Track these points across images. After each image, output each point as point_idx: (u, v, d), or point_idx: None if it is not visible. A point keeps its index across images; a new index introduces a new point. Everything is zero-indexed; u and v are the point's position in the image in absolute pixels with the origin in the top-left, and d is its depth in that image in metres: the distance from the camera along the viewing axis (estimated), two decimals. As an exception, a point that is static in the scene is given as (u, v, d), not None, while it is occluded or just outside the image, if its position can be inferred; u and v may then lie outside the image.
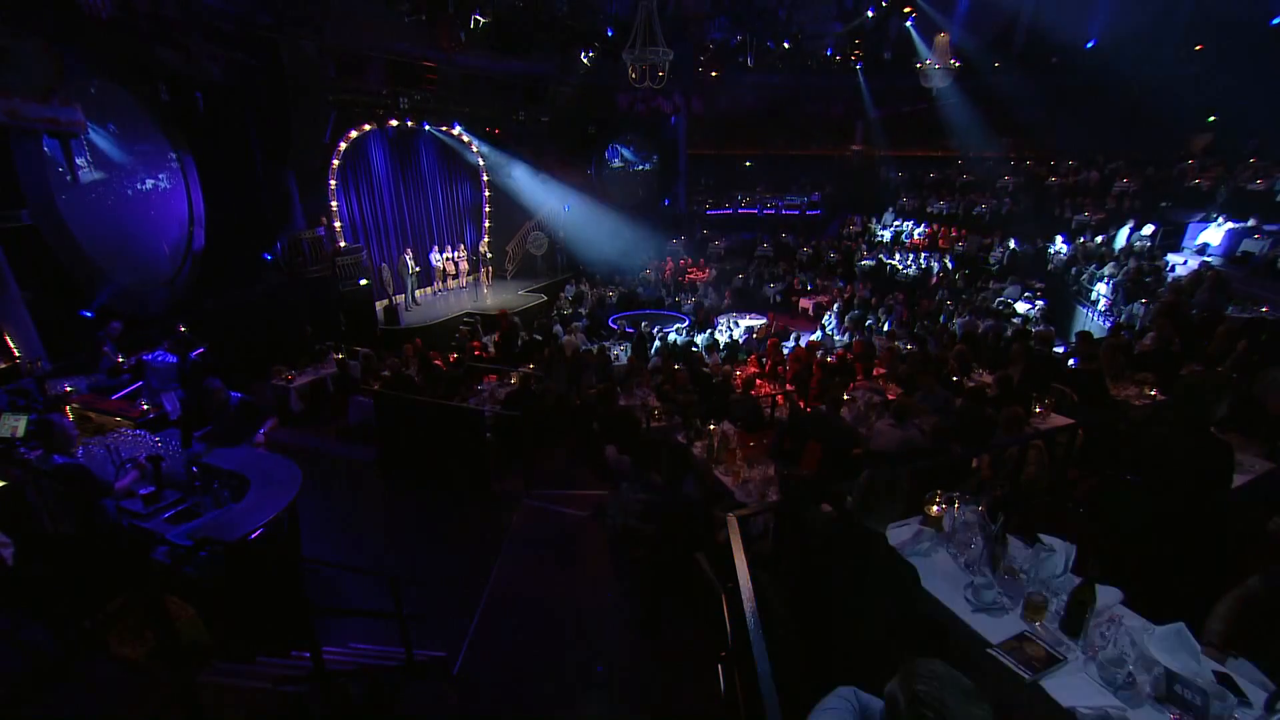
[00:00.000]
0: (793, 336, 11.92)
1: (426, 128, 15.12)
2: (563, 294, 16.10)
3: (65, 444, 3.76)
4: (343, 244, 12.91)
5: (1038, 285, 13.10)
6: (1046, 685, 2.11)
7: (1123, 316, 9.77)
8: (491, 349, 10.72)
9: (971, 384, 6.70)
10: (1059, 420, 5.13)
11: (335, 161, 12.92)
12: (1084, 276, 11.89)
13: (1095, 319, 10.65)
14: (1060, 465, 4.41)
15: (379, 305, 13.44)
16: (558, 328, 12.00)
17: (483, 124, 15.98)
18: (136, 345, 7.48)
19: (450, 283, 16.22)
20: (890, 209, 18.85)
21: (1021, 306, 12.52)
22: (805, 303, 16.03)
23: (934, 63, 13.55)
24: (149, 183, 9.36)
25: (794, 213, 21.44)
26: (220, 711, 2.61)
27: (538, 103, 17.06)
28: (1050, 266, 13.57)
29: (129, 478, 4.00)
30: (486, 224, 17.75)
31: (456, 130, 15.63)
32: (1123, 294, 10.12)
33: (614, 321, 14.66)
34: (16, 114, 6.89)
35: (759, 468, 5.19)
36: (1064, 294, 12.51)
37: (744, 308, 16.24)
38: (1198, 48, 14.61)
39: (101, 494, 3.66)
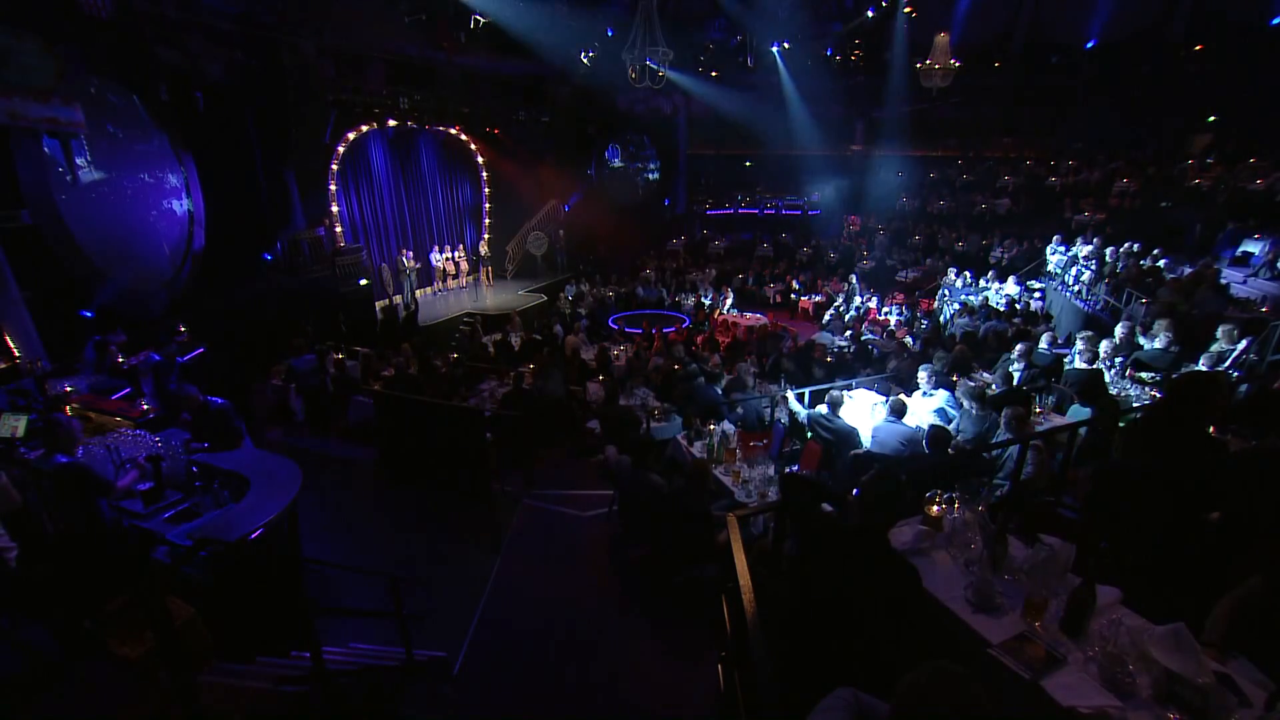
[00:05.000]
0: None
1: (426, 128, 15.12)
2: (563, 294, 16.10)
3: (69, 443, 3.77)
4: (343, 244, 12.92)
5: (1038, 285, 13.09)
6: (1046, 685, 2.11)
7: (1123, 315, 9.75)
8: (491, 349, 10.72)
9: (972, 384, 6.69)
10: (1059, 420, 5.14)
11: (335, 161, 12.92)
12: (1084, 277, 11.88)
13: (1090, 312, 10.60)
14: (1060, 465, 4.42)
15: (379, 305, 13.44)
16: (558, 328, 11.99)
17: (483, 124, 15.98)
18: (137, 345, 7.49)
19: (450, 283, 16.23)
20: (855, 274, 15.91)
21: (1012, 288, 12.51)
22: (805, 303, 16.01)
23: (933, 62, 13.53)
24: (149, 183, 9.36)
25: (794, 213, 21.42)
26: (220, 711, 2.61)
27: (538, 103, 17.06)
28: (1050, 267, 13.56)
29: (129, 477, 4.00)
30: (487, 224, 17.75)
31: (456, 130, 15.63)
32: (1124, 294, 10.09)
33: (614, 321, 14.65)
34: (16, 114, 6.89)
35: (759, 468, 5.19)
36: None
37: (744, 307, 16.23)
38: (1198, 48, 14.61)
39: (102, 494, 3.66)
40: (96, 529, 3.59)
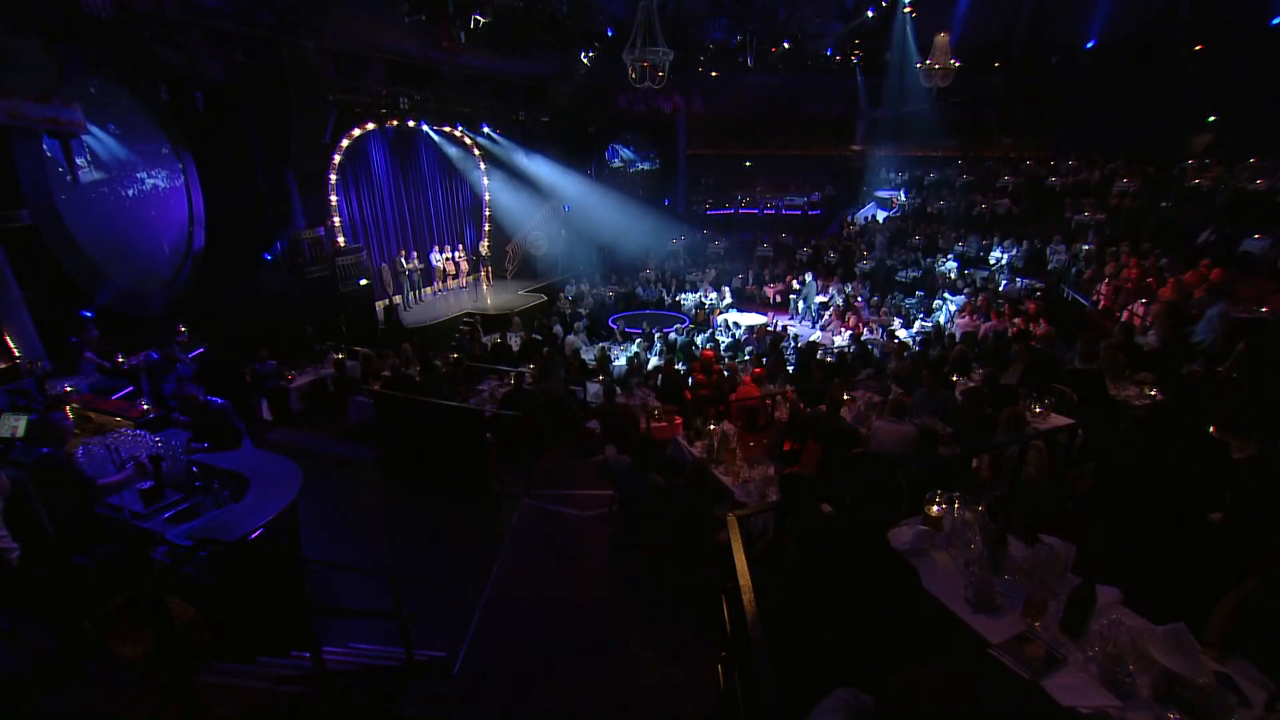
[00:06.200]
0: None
1: (426, 128, 15.13)
2: (563, 294, 16.11)
3: (59, 440, 3.75)
4: (343, 244, 12.92)
5: (1038, 285, 13.08)
6: (1047, 685, 2.11)
7: (1122, 315, 9.75)
8: (489, 349, 10.73)
9: (971, 384, 6.69)
10: (1059, 420, 5.12)
11: (335, 161, 12.92)
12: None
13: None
14: (1060, 465, 4.41)
15: (379, 305, 13.44)
16: (558, 328, 12.00)
17: (483, 124, 15.98)
18: (136, 345, 7.49)
19: (450, 283, 16.23)
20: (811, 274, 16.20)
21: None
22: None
23: (933, 62, 13.53)
24: (149, 183, 9.36)
25: (794, 213, 21.42)
26: (220, 711, 2.61)
27: (538, 103, 17.06)
28: (1050, 266, 13.56)
29: (115, 476, 3.97)
30: (486, 224, 17.75)
31: (457, 130, 15.62)
32: (1121, 294, 10.09)
33: (613, 322, 14.66)
34: (16, 114, 6.89)
35: (759, 468, 5.19)
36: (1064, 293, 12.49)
37: (744, 307, 16.25)
38: (1198, 48, 14.60)
39: (81, 489, 3.64)
40: (85, 526, 3.58)
